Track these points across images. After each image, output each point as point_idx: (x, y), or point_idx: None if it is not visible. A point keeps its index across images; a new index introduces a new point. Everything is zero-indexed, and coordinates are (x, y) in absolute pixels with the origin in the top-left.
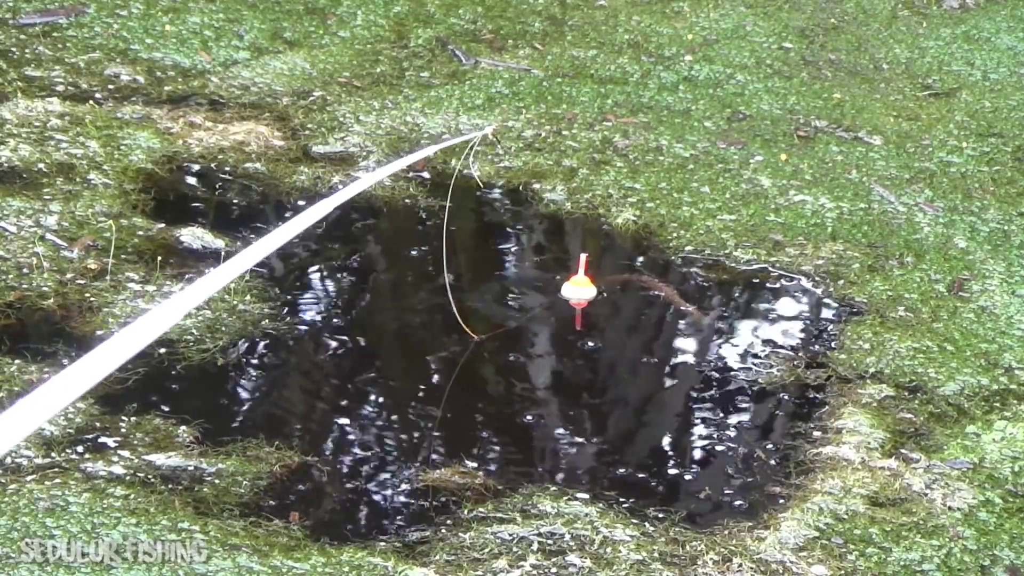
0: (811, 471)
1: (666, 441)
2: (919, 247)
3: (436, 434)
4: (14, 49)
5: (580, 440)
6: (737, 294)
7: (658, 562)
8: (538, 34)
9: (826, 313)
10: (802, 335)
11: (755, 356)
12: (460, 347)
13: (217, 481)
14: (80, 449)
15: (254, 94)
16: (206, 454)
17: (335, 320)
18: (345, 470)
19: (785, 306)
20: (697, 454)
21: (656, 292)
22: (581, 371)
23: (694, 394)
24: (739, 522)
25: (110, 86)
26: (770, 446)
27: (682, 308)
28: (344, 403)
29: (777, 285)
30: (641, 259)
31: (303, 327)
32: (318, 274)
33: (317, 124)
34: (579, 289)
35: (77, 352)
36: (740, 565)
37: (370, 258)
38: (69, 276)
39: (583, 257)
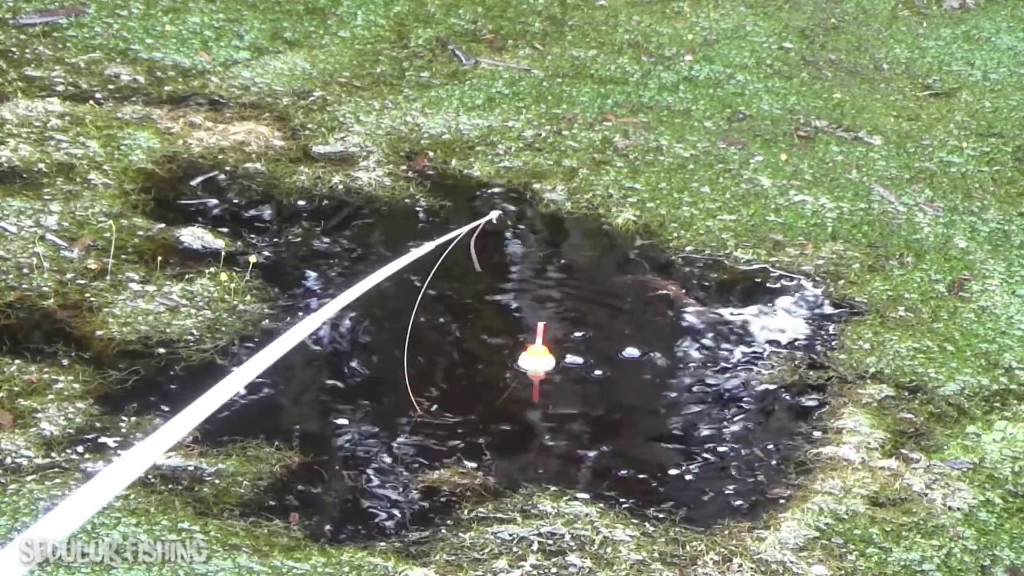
0: (811, 471)
1: (666, 441)
2: (919, 247)
3: (436, 434)
4: (14, 49)
5: (580, 440)
6: (737, 294)
7: (658, 562)
8: (538, 34)
9: (826, 313)
10: (802, 335)
11: (755, 356)
12: (461, 346)
13: (217, 481)
14: (80, 449)
15: (254, 94)
16: (206, 454)
17: (335, 320)
18: (345, 470)
19: (785, 306)
20: (697, 454)
21: (664, 291)
22: (581, 371)
23: (694, 394)
24: (739, 522)
25: (110, 86)
26: (770, 446)
27: (687, 302)
28: (344, 403)
29: (777, 285)
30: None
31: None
32: (318, 274)
33: (317, 124)
34: (537, 360)
35: (77, 352)
36: (740, 565)
37: (370, 257)
38: (69, 276)
39: (541, 325)
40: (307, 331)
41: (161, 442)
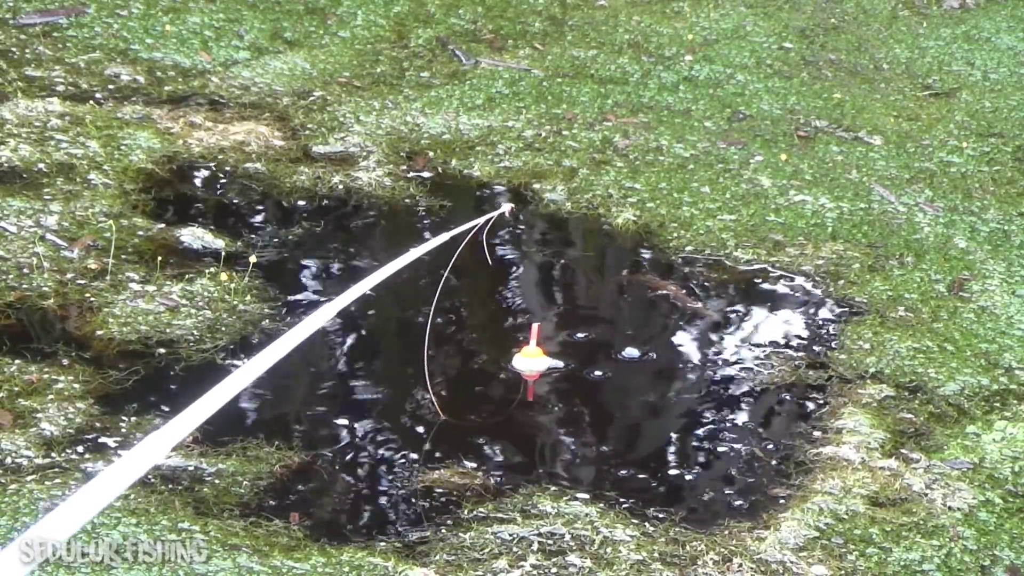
0: (811, 471)
1: (666, 441)
2: (919, 247)
3: (436, 434)
4: (14, 49)
5: (580, 440)
6: (737, 294)
7: (658, 562)
8: (538, 34)
9: (826, 313)
10: (802, 335)
11: (756, 356)
12: (462, 346)
13: (217, 481)
14: (80, 449)
15: (254, 94)
16: (206, 454)
17: (335, 319)
18: (345, 470)
19: (785, 306)
20: (697, 454)
21: (663, 291)
22: (581, 371)
23: (694, 394)
24: (739, 522)
25: (110, 86)
26: (770, 446)
27: (690, 305)
28: (344, 403)
29: (777, 285)
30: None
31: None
32: (318, 273)
33: (317, 124)
34: (530, 361)
35: (77, 352)
36: (740, 565)
37: (370, 257)
38: (69, 276)
39: (535, 327)
40: (314, 328)
41: (162, 443)
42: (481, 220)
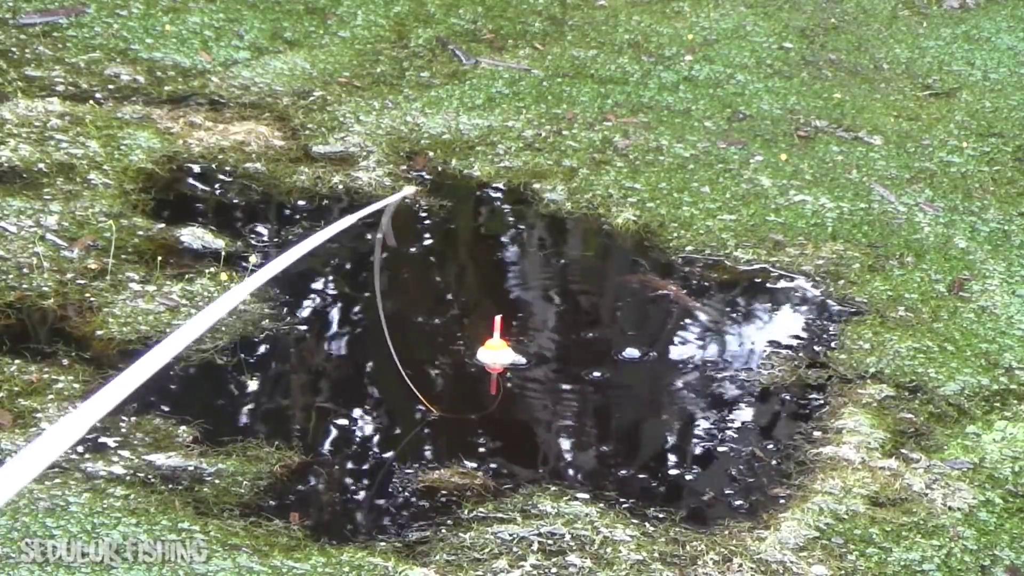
0: (811, 471)
1: (667, 441)
2: (919, 247)
3: (436, 434)
4: (14, 49)
5: (580, 440)
6: (737, 294)
7: (658, 562)
8: (538, 34)
9: (826, 313)
10: (802, 335)
11: (756, 356)
12: (462, 347)
13: (217, 481)
14: (80, 449)
15: (254, 94)
16: (206, 454)
17: (335, 319)
18: (345, 470)
19: (785, 306)
20: (697, 454)
21: (664, 291)
22: (581, 371)
23: (694, 394)
24: (739, 522)
25: (110, 86)
26: (770, 446)
27: (690, 305)
28: (344, 403)
29: (777, 285)
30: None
31: (303, 327)
32: (318, 273)
33: (317, 124)
34: (494, 353)
35: (77, 352)
36: (740, 565)
37: (369, 257)
38: (69, 276)
39: (498, 318)
40: (237, 299)
41: (72, 428)
42: (385, 202)
